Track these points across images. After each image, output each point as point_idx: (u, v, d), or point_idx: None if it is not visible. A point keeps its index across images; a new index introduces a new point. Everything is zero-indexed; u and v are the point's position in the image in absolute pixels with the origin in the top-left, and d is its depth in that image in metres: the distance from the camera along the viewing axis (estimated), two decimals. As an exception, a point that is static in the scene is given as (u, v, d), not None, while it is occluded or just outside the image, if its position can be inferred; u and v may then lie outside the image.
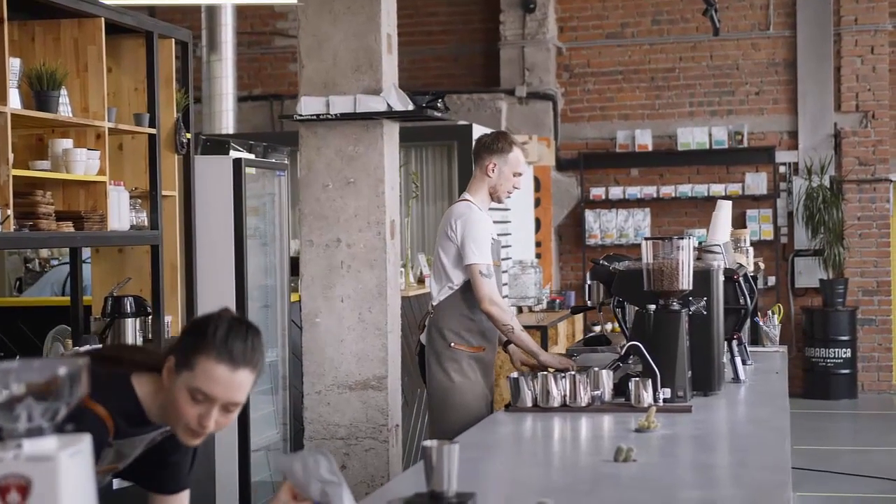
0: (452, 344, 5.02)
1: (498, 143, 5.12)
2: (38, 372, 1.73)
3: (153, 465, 2.74)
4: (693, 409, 4.04)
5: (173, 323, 5.70)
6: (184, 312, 5.80)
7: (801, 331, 12.16)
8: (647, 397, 4.04)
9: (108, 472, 2.71)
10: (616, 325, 5.58)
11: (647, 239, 4.32)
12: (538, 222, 12.00)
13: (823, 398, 11.74)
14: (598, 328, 9.59)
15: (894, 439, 10.07)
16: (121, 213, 5.13)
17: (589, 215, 12.49)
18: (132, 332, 5.25)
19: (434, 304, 5.13)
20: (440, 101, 5.62)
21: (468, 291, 5.01)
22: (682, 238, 4.28)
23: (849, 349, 11.82)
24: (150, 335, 5.46)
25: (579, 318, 10.45)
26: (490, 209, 5.56)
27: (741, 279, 4.87)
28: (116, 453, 2.65)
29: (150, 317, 5.43)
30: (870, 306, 12.16)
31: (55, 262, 7.99)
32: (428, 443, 2.69)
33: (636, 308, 4.41)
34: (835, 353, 11.80)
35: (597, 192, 12.51)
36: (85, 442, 1.75)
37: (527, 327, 8.77)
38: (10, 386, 1.71)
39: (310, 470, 2.33)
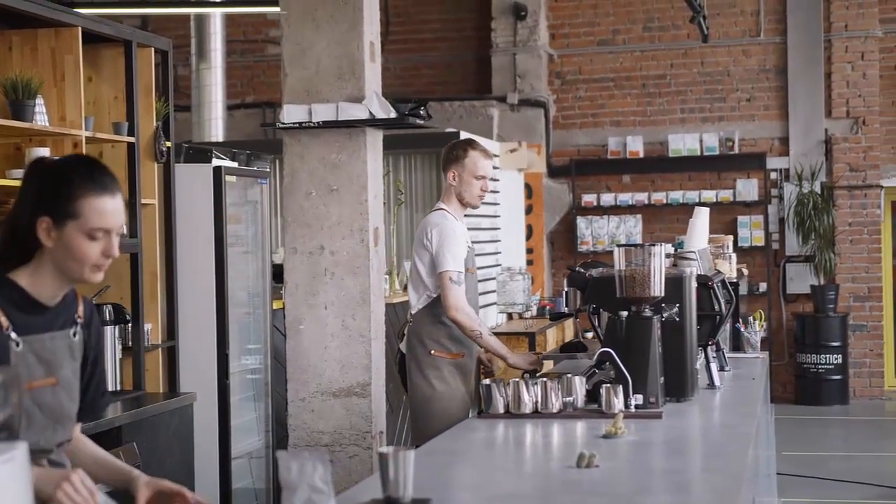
0: (433, 351, 5.08)
1: (453, 151, 5.22)
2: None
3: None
4: (664, 416, 4.05)
5: (153, 331, 5.72)
6: (164, 320, 5.82)
7: (792, 337, 12.17)
8: (619, 404, 4.04)
9: (46, 387, 2.67)
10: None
11: (619, 246, 4.34)
12: (530, 229, 12.03)
13: (815, 404, 11.74)
14: (590, 335, 9.59)
15: (885, 445, 10.08)
16: (99, 222, 5.14)
17: (581, 222, 12.50)
18: (111, 339, 5.26)
19: (413, 312, 5.20)
20: (423, 108, 5.63)
21: None
22: (654, 245, 4.29)
23: (840, 355, 11.83)
24: (129, 343, 5.47)
25: (569, 324, 10.45)
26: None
27: (716, 285, 4.88)
28: (38, 358, 2.65)
29: (129, 324, 5.45)
30: (861, 312, 12.17)
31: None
32: (383, 449, 2.71)
33: (609, 314, 4.43)
34: (826, 358, 11.80)
35: (588, 198, 12.53)
36: (19, 450, 1.77)
37: (515, 334, 8.85)
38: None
39: (305, 473, 2.34)
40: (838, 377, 11.84)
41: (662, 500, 2.90)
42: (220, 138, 10.61)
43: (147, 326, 5.63)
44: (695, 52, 12.44)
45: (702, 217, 5.48)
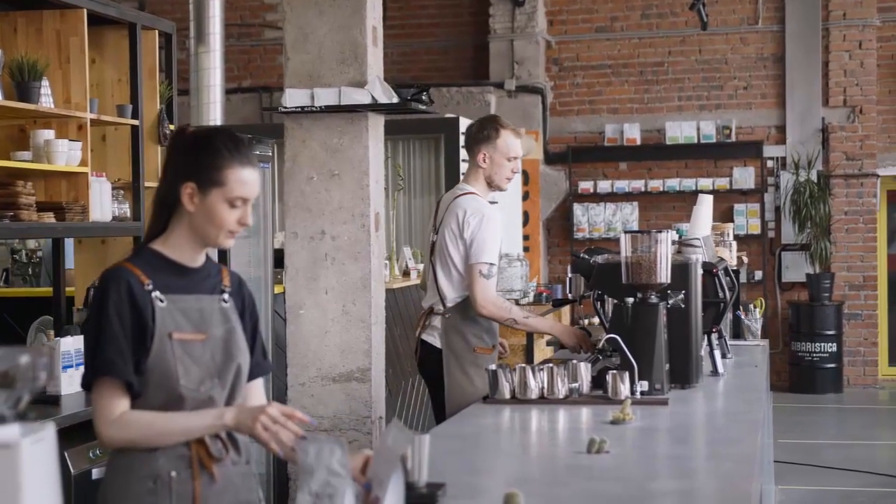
0: (476, 349, 4.92)
1: (483, 130, 4.96)
2: None
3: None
4: (669, 402, 4.06)
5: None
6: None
7: (787, 325, 12.20)
8: (625, 390, 4.05)
9: (195, 342, 2.75)
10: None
11: (626, 232, 4.33)
12: (526, 215, 12.03)
13: (809, 392, 11.78)
14: (585, 321, 9.60)
15: (878, 433, 10.13)
16: (102, 204, 5.14)
17: (577, 209, 12.51)
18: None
19: (449, 304, 4.94)
20: (425, 93, 5.62)
21: None
22: (661, 232, 4.30)
23: (835, 343, 11.86)
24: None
25: (566, 311, 10.46)
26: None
27: (720, 273, 4.89)
28: (184, 314, 2.75)
29: (132, 308, 5.43)
30: (856, 301, 12.20)
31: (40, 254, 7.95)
32: (398, 434, 2.70)
33: (615, 301, 4.43)
34: (821, 347, 11.84)
35: (585, 185, 12.53)
36: (49, 430, 1.76)
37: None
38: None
39: (322, 457, 2.33)
40: (833, 365, 11.88)
41: (675, 486, 2.90)
42: (219, 122, 10.55)
43: (149, 309, 5.61)
44: (693, 39, 12.44)
45: (705, 205, 5.48)
